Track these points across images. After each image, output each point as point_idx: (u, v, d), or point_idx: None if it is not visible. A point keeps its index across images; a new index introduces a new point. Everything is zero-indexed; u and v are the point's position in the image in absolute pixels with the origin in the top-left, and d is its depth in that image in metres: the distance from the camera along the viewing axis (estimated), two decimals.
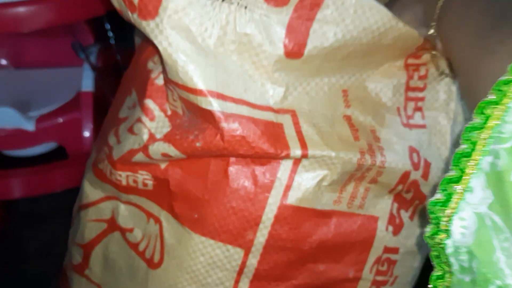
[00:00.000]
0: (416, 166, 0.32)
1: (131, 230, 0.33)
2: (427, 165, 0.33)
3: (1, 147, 0.59)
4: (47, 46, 0.65)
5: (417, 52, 0.33)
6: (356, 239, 0.33)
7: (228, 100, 0.28)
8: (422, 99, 0.34)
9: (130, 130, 0.31)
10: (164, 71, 0.29)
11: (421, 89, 0.33)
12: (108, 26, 0.60)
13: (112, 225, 0.34)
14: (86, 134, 0.60)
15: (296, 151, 0.29)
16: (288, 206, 0.30)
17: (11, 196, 0.58)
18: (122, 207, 0.33)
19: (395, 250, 0.34)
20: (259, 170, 0.29)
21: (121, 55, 0.66)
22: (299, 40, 0.28)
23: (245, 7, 0.27)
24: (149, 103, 0.30)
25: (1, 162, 0.60)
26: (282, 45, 0.28)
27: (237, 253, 0.31)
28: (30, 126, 0.57)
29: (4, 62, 0.64)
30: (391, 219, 0.34)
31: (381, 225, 0.33)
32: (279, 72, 0.28)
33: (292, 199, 0.30)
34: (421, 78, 0.33)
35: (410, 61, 0.33)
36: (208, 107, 0.27)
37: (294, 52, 0.28)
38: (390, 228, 0.34)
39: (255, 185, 0.29)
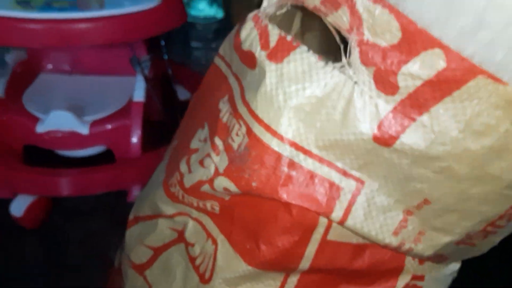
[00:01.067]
0: None
1: (192, 245, 0.36)
2: None
3: (56, 147, 0.63)
4: (103, 55, 0.69)
5: None
6: (387, 268, 0.35)
7: (300, 150, 0.30)
8: None
9: (201, 163, 0.34)
10: (243, 105, 0.32)
11: None
12: (163, 43, 0.64)
13: (181, 236, 0.37)
14: (134, 140, 0.64)
15: (335, 219, 0.31)
16: (329, 241, 0.32)
17: (60, 194, 0.62)
18: (191, 223, 0.36)
19: (421, 278, 0.36)
20: None
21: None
22: (393, 132, 0.28)
23: (355, 82, 0.29)
24: (217, 140, 0.33)
25: (53, 161, 0.64)
26: (376, 128, 0.28)
27: (279, 275, 0.34)
28: (84, 130, 0.61)
29: (67, 67, 0.68)
30: None
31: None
32: (364, 150, 0.29)
33: (332, 236, 0.32)
34: None
35: None
36: (279, 150, 0.30)
37: (384, 140, 0.29)
38: (417, 258, 0.35)
39: (300, 229, 0.32)
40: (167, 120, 0.68)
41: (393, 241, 0.32)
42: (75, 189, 0.62)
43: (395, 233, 0.32)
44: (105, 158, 0.65)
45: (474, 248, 0.34)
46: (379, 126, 0.29)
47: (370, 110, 0.29)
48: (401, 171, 0.30)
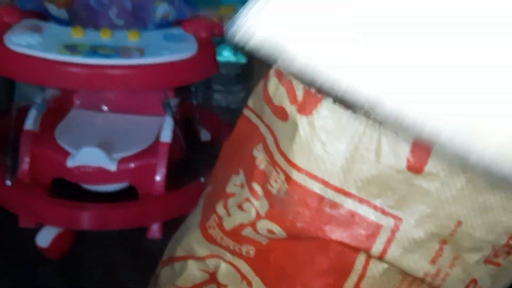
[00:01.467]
0: None
1: (225, 286, 0.38)
2: None
3: (83, 181, 0.66)
4: (134, 96, 0.72)
5: None
6: None
7: (341, 192, 0.33)
8: None
9: (240, 207, 0.37)
10: (279, 154, 0.35)
11: None
12: (193, 89, 0.67)
13: (212, 278, 0.39)
14: (158, 178, 0.66)
15: (375, 254, 0.34)
16: None
17: (82, 227, 0.64)
18: (223, 266, 0.39)
19: None
20: None
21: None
22: (421, 157, 0.32)
23: (380, 123, 0.32)
24: (255, 185, 0.36)
25: (74, 194, 0.66)
26: (406, 159, 0.32)
27: None
28: (112, 167, 0.64)
29: (98, 105, 0.72)
30: None
31: None
32: (398, 182, 0.33)
33: (365, 286, 0.35)
34: None
35: None
36: (321, 193, 0.33)
37: (416, 167, 0.32)
38: None
39: (335, 272, 0.35)
40: (189, 160, 0.71)
41: (431, 269, 0.35)
42: (99, 223, 0.64)
43: (432, 261, 0.35)
44: (126, 194, 0.67)
45: (500, 273, 0.37)
46: (409, 156, 0.32)
47: (399, 144, 0.32)
48: (434, 198, 0.33)
